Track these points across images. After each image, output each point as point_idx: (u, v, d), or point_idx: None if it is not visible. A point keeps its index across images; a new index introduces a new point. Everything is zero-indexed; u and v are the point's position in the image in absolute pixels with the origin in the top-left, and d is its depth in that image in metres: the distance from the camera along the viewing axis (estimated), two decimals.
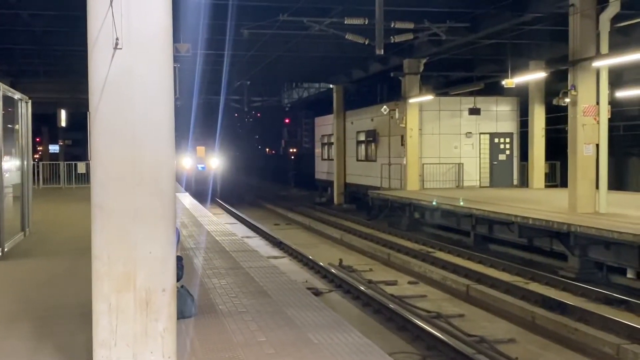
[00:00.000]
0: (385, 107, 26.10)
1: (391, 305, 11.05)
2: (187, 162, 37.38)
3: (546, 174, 24.72)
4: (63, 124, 28.36)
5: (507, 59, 20.34)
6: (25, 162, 12.30)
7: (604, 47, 14.92)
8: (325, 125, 35.88)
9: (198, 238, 12.50)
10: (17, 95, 11.76)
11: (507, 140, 26.10)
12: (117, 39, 4.45)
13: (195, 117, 32.78)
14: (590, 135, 15.52)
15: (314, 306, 6.99)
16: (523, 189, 24.50)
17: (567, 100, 15.84)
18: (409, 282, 14.18)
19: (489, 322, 10.97)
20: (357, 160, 31.19)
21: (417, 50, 23.39)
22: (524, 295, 12.21)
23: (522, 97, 25.22)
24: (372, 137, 29.08)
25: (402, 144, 25.46)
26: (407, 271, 15.46)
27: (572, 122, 15.84)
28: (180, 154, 36.05)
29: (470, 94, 24.48)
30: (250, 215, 26.40)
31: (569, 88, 15.71)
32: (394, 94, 27.79)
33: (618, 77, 21.74)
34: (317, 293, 12.07)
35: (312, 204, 32.70)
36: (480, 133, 25.86)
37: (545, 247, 15.39)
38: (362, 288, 12.50)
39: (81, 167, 26.74)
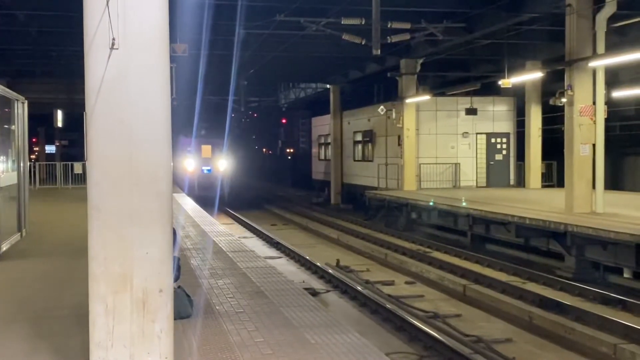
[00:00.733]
0: (382, 107, 26.15)
1: (388, 306, 11.04)
2: (190, 164, 31.49)
3: (543, 174, 24.73)
4: (59, 124, 28.36)
5: (503, 59, 20.34)
6: (21, 163, 12.27)
7: (601, 47, 14.94)
8: (322, 125, 35.87)
9: (195, 239, 12.49)
10: (13, 96, 11.73)
11: (504, 140, 26.11)
12: (113, 39, 4.44)
13: (199, 115, 28.50)
14: (586, 135, 15.54)
15: (311, 306, 6.99)
16: (520, 189, 24.51)
17: (564, 100, 15.84)
18: (406, 282, 14.19)
19: (486, 322, 10.98)
20: (354, 160, 31.18)
21: (414, 51, 23.40)
22: (521, 295, 12.21)
23: (518, 97, 25.26)
24: (369, 137, 29.08)
25: (399, 144, 25.47)
26: (404, 271, 15.48)
27: (568, 122, 15.84)
28: (180, 154, 31.60)
29: (467, 94, 24.53)
30: (247, 216, 26.36)
31: (565, 88, 15.72)
32: (391, 94, 27.81)
33: (614, 77, 21.78)
34: (314, 293, 12.03)
35: (309, 204, 32.68)
36: (477, 133, 25.88)
37: (542, 247, 15.39)
38: (359, 288, 12.48)
39: (78, 168, 26.67)
